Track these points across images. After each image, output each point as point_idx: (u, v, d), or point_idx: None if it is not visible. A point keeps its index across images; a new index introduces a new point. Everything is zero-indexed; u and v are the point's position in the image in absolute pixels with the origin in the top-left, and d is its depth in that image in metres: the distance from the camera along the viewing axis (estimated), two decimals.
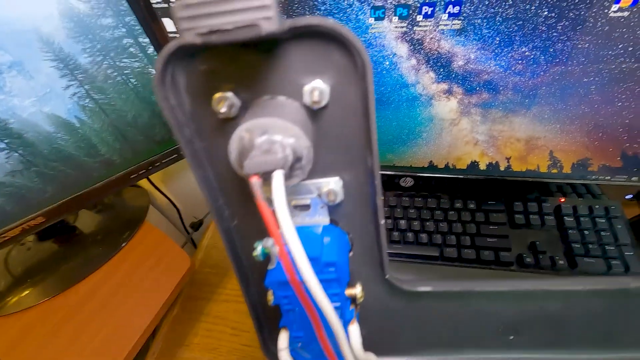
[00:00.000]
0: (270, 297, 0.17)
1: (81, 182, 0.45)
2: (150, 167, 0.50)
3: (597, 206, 0.47)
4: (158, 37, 0.40)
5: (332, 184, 0.16)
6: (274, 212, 0.12)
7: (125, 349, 0.41)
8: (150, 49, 0.41)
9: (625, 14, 0.29)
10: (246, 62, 0.13)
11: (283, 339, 0.17)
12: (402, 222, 0.51)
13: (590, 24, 0.30)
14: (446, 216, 0.50)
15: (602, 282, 0.16)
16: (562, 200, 0.50)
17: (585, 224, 0.47)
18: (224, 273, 0.54)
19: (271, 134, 0.12)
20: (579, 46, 0.32)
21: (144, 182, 0.63)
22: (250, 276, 0.19)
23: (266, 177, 0.12)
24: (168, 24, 0.38)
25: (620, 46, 0.31)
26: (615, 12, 0.29)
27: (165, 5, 0.37)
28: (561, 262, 0.44)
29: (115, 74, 0.41)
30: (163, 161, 0.50)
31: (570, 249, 0.45)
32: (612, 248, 0.44)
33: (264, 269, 0.17)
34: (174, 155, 0.51)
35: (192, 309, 0.51)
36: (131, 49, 0.41)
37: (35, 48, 0.35)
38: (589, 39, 0.31)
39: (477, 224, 0.49)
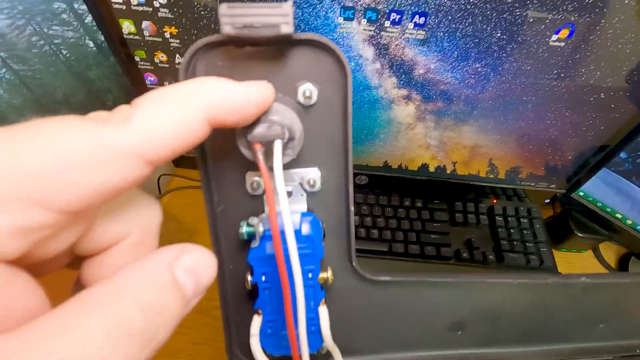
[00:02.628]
0: (249, 278, 0.18)
1: None
2: None
3: (521, 208, 0.54)
4: (98, 5, 0.35)
5: (312, 173, 0.18)
6: (271, 176, 0.14)
7: None
8: (88, 18, 0.36)
9: (562, 44, 0.33)
10: (254, 63, 0.15)
11: (255, 323, 0.18)
12: (355, 217, 0.53)
13: (534, 49, 0.33)
14: (396, 213, 0.53)
15: (527, 277, 0.19)
16: (495, 201, 0.56)
17: (511, 223, 0.53)
18: None
19: (273, 114, 0.15)
20: (523, 67, 0.35)
21: None
22: (227, 266, 0.19)
23: (267, 147, 0.15)
24: None
25: (555, 71, 0.35)
26: (554, 41, 0.33)
27: None
28: (491, 257, 0.50)
29: (42, 42, 0.35)
30: None
31: (498, 245, 0.51)
32: (531, 245, 0.51)
33: (241, 257, 0.19)
34: None
35: None
36: (63, 16, 0.35)
37: None
38: (531, 62, 0.34)
39: (423, 222, 0.53)
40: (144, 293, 0.10)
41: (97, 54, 0.39)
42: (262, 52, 0.15)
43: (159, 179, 0.70)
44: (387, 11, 0.32)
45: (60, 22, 0.35)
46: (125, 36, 0.37)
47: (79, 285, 0.12)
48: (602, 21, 0.31)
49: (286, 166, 0.17)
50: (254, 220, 0.18)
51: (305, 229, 0.18)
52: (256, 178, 0.17)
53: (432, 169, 0.49)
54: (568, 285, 0.19)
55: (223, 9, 0.13)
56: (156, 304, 0.10)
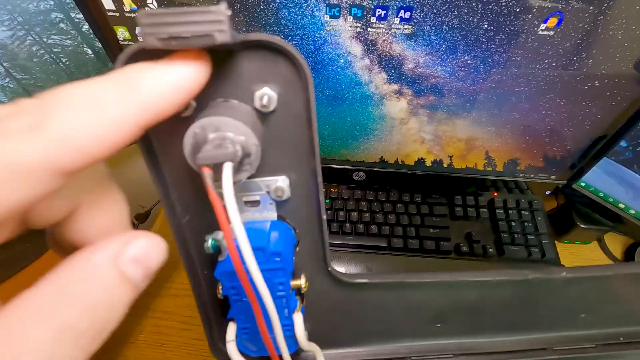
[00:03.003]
0: (220, 288, 0.18)
1: None
2: None
3: (522, 200, 0.54)
4: (93, 14, 0.36)
5: (280, 182, 0.17)
6: (222, 200, 0.13)
7: None
8: (85, 27, 0.37)
9: (551, 33, 0.32)
10: None
11: (231, 330, 0.18)
12: (354, 214, 0.53)
13: (522, 39, 0.33)
14: (394, 209, 0.54)
15: (507, 274, 0.18)
16: (495, 194, 0.55)
17: (512, 216, 0.52)
18: (172, 267, 0.52)
19: (223, 131, 0.13)
20: (513, 58, 0.35)
21: None
22: (200, 272, 0.19)
23: (217, 169, 0.13)
24: (107, 1, 0.35)
25: (546, 61, 0.35)
26: (543, 30, 0.32)
27: None
28: (491, 250, 0.50)
29: (42, 51, 0.36)
30: None
31: (499, 238, 0.51)
32: (532, 237, 0.51)
33: (213, 264, 0.18)
34: None
35: (137, 304, 0.48)
36: (61, 25, 0.36)
37: None
38: (521, 52, 0.34)
39: (422, 216, 0.53)
40: (88, 293, 0.09)
41: (96, 60, 0.40)
42: (210, 54, 0.13)
43: None
44: (372, 7, 0.32)
45: (59, 31, 0.36)
46: (120, 42, 0.39)
47: (53, 241, 0.12)
48: (591, 8, 0.30)
49: (250, 177, 0.16)
50: (218, 234, 0.17)
51: (273, 244, 0.17)
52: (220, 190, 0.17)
53: (428, 163, 0.49)
54: (550, 280, 0.19)
55: (142, 17, 0.11)
56: (102, 302, 0.10)
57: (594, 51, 0.33)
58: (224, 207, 0.13)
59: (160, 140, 0.16)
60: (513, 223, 0.52)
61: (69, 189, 0.11)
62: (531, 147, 0.44)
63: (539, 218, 0.52)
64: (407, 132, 0.44)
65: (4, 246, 0.46)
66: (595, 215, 0.51)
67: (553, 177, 0.48)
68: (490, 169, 0.48)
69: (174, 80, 0.10)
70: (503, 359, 0.20)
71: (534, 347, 0.20)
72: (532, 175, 0.49)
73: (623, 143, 0.42)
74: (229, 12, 0.11)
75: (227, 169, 0.13)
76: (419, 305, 0.19)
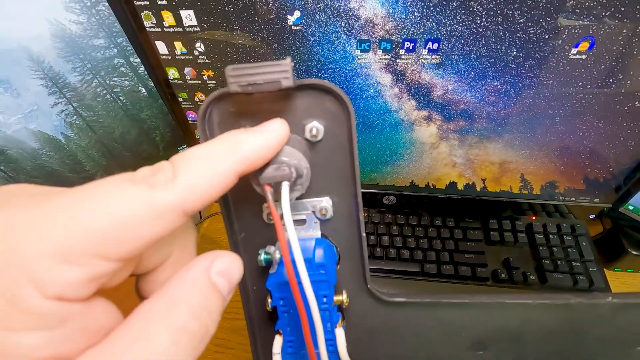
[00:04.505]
0: (269, 300, 0.19)
1: None
2: None
3: (564, 224, 0.51)
4: (149, 58, 0.41)
5: (324, 202, 0.19)
6: (280, 215, 0.16)
7: None
8: (141, 69, 0.42)
9: (583, 56, 0.32)
10: (264, 107, 0.17)
11: (277, 343, 0.19)
12: (385, 238, 0.53)
13: (553, 64, 0.33)
14: (427, 233, 0.53)
15: (548, 297, 0.18)
16: (534, 218, 0.53)
17: (554, 241, 0.50)
18: None
19: (281, 156, 0.16)
20: (544, 82, 0.35)
21: None
22: (250, 288, 0.21)
23: (276, 188, 0.16)
24: (161, 47, 0.39)
25: (580, 83, 0.34)
26: (574, 54, 0.32)
27: (159, 29, 0.38)
28: (532, 277, 0.47)
29: (105, 92, 0.41)
30: None
31: (540, 264, 0.48)
32: (577, 264, 0.48)
33: (262, 280, 0.20)
34: None
35: None
36: (122, 69, 0.41)
37: (24, 66, 0.35)
38: (552, 76, 0.34)
39: (455, 241, 0.52)
40: (192, 299, 0.12)
41: (148, 97, 0.45)
42: (270, 97, 0.16)
43: None
44: (401, 40, 0.34)
45: (119, 74, 0.41)
46: (170, 81, 0.43)
47: (138, 294, 0.15)
48: (624, 31, 0.30)
49: (298, 197, 0.19)
50: (270, 248, 0.19)
51: (318, 257, 0.19)
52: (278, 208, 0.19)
53: (460, 186, 0.48)
54: (595, 306, 0.18)
55: (229, 70, 0.14)
56: (203, 306, 0.12)
57: (631, 72, 0.33)
58: (282, 221, 0.16)
59: None
60: (555, 249, 0.49)
61: (170, 238, 0.14)
62: (570, 170, 0.43)
63: (584, 243, 0.49)
64: (438, 156, 0.45)
65: None
66: None
67: (596, 200, 0.46)
68: (526, 192, 0.47)
69: (265, 141, 0.14)
70: None
71: None
72: (573, 199, 0.47)
73: None
74: (292, 64, 0.14)
75: (285, 187, 0.16)
76: (458, 329, 0.19)
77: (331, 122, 0.17)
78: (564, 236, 0.50)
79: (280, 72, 0.14)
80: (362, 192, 0.57)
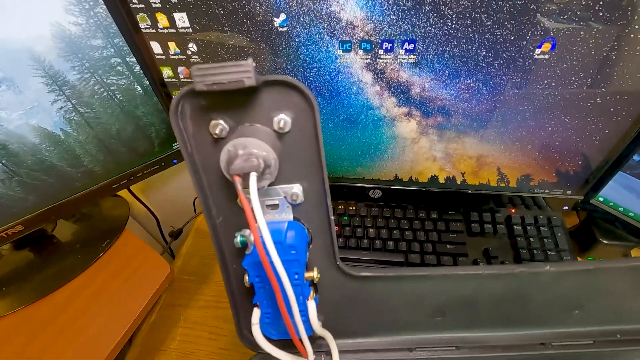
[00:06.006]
0: (246, 277, 0.21)
1: (63, 192, 0.47)
2: (132, 178, 0.52)
3: (541, 216, 0.54)
4: (145, 58, 0.43)
5: (295, 189, 0.21)
6: (250, 202, 0.17)
7: (103, 355, 0.42)
8: (137, 68, 0.44)
9: (547, 56, 0.35)
10: (234, 101, 0.18)
11: (255, 315, 0.22)
12: (371, 230, 0.55)
13: (520, 63, 0.36)
14: (411, 225, 0.55)
15: (496, 268, 0.20)
16: (513, 210, 0.56)
17: (531, 232, 0.53)
18: (202, 280, 0.56)
19: (250, 149, 0.17)
20: (513, 80, 0.37)
21: (123, 192, 0.65)
22: (230, 266, 0.23)
23: (245, 178, 0.17)
24: (156, 47, 0.42)
25: (545, 82, 0.37)
26: (538, 54, 0.35)
27: (154, 30, 0.40)
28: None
29: (102, 90, 0.44)
30: (145, 172, 0.52)
31: (518, 254, 0.51)
32: (553, 253, 0.50)
33: (240, 258, 0.21)
34: (155, 167, 0.53)
35: (169, 315, 0.53)
36: (118, 68, 0.43)
37: (26, 65, 0.37)
38: (520, 75, 0.37)
39: (438, 232, 0.54)
40: None
41: (143, 95, 0.47)
42: (239, 92, 0.17)
43: (194, 200, 0.78)
44: (379, 41, 0.37)
45: (116, 72, 0.43)
46: (165, 80, 0.45)
47: None
48: (582, 33, 0.33)
49: (271, 184, 0.20)
50: (245, 231, 0.21)
51: (289, 239, 0.20)
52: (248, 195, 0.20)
53: (441, 180, 0.51)
54: (536, 274, 0.21)
55: (195, 70, 0.16)
56: None
57: (591, 70, 0.35)
58: (251, 208, 0.17)
59: (201, 156, 0.20)
60: (532, 239, 0.52)
61: None
62: (542, 163, 0.45)
63: (559, 234, 0.52)
64: (419, 150, 0.47)
65: (58, 259, 0.52)
66: (619, 230, 0.50)
67: (569, 192, 0.49)
68: (503, 184, 0.50)
69: None
70: (503, 353, 0.22)
71: (532, 342, 0.22)
72: (547, 191, 0.49)
73: (636, 157, 0.42)
74: (254, 64, 0.16)
75: (253, 177, 0.17)
76: (420, 298, 0.22)
77: (297, 114, 0.19)
78: (541, 227, 0.53)
79: (242, 72, 0.15)
80: (349, 186, 0.60)
